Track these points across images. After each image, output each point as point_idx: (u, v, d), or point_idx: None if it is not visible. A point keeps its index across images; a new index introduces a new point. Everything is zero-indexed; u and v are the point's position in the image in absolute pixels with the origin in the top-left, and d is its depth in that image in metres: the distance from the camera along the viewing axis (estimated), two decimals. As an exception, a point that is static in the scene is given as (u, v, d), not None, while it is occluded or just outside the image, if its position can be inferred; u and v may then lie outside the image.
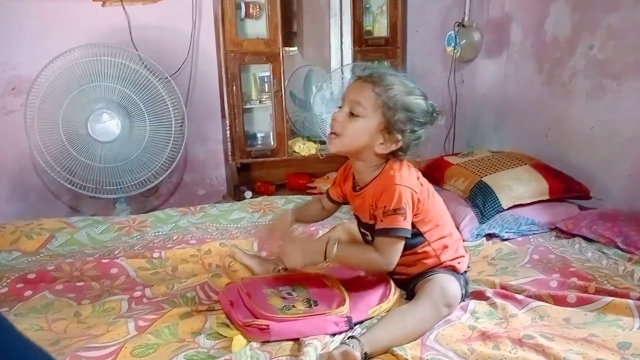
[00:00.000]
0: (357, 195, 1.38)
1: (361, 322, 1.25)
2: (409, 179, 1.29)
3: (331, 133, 1.31)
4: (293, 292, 1.32)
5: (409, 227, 1.27)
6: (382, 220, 1.26)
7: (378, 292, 1.33)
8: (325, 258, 1.27)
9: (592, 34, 2.18)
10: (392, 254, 1.27)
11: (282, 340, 1.16)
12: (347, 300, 1.26)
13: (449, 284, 1.30)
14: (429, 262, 1.36)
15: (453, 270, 1.37)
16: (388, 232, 1.25)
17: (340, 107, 1.32)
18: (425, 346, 1.15)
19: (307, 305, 1.25)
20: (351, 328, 1.21)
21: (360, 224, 1.42)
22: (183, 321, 1.20)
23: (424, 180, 1.36)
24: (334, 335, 1.19)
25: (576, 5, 2.27)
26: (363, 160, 1.33)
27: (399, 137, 1.27)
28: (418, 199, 1.29)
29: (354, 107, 1.28)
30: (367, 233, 1.38)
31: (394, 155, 1.31)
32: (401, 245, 1.28)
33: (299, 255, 1.28)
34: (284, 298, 1.29)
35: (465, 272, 1.43)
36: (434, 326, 1.22)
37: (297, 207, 1.54)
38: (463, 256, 1.41)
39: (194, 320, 1.21)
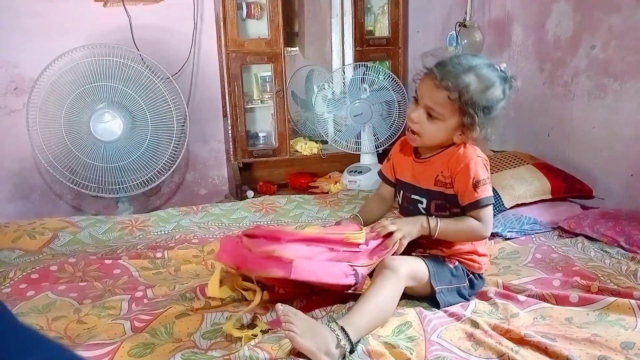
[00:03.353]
0: (420, 162, 1.39)
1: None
2: (481, 153, 1.35)
3: (411, 130, 1.34)
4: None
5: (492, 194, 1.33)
6: (475, 192, 1.30)
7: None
8: (429, 232, 1.31)
9: (594, 34, 2.18)
10: (490, 221, 1.34)
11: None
12: (364, 230, 1.28)
13: (421, 271, 1.29)
14: (465, 247, 1.37)
15: (475, 268, 1.38)
16: (482, 203, 1.31)
17: (415, 99, 1.32)
18: (429, 342, 1.15)
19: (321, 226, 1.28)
20: (357, 283, 1.21)
21: (409, 191, 1.41)
22: (179, 320, 1.20)
23: None
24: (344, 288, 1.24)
25: (577, 6, 2.26)
26: (440, 145, 1.36)
27: (479, 129, 1.29)
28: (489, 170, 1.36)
29: (431, 111, 1.29)
30: (422, 200, 1.38)
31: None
32: (492, 211, 1.34)
33: (410, 225, 1.31)
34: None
35: (481, 275, 1.42)
36: (436, 325, 1.22)
37: (361, 210, 1.54)
38: (487, 256, 1.44)
39: (191, 319, 1.21)
